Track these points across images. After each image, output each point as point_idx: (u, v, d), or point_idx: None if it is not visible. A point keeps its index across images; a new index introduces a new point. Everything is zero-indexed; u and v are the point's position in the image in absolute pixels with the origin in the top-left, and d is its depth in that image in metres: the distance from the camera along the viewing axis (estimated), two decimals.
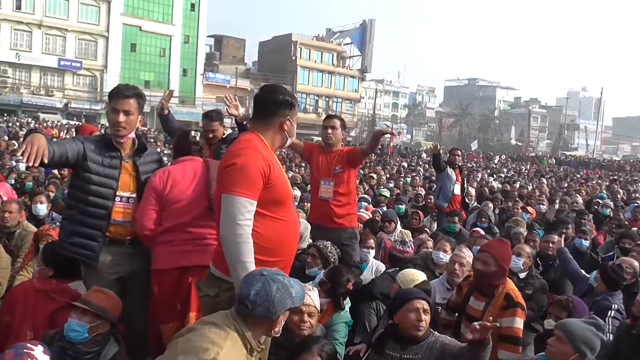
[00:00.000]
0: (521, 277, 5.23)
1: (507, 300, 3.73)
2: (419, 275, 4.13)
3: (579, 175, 27.42)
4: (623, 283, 4.77)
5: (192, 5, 54.73)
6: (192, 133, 4.10)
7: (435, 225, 8.77)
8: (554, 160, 46.40)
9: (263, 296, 2.35)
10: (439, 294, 4.74)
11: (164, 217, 3.62)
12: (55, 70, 47.98)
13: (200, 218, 3.58)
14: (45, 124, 33.78)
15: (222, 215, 2.78)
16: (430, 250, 5.81)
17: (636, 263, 5.26)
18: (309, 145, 5.75)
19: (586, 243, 6.78)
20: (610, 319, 4.27)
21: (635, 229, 7.88)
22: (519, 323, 3.68)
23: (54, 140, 3.56)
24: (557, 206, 10.60)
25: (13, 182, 9.09)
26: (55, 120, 39.57)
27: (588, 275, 5.34)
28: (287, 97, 2.98)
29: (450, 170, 8.85)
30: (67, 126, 33.07)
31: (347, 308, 4.17)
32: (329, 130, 5.33)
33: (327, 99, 65.85)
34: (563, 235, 6.46)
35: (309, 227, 5.58)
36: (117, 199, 3.55)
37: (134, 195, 3.63)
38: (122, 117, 3.51)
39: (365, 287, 4.80)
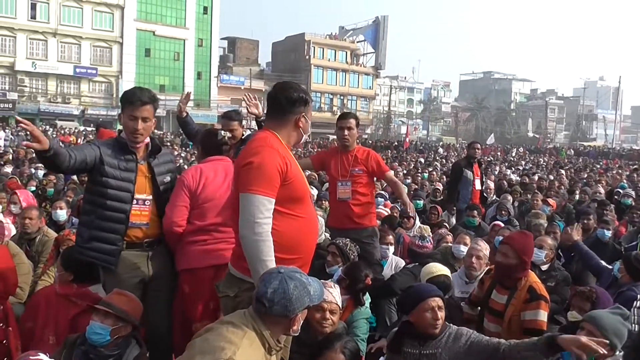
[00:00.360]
0: (543, 269, 5.17)
1: (530, 293, 3.69)
2: (440, 268, 4.11)
3: (598, 166, 27.09)
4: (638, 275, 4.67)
5: (205, 9, 54.95)
6: (222, 133, 4.06)
7: (454, 220, 8.70)
8: (572, 152, 45.91)
9: (280, 294, 2.33)
10: (458, 287, 4.70)
11: (194, 215, 3.63)
12: (72, 78, 48.45)
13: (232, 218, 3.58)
14: (62, 131, 34.14)
15: (241, 214, 2.77)
16: (450, 244, 5.76)
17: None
18: (316, 156, 5.75)
19: (609, 233, 6.67)
20: (636, 309, 4.19)
21: None
22: (543, 315, 3.64)
23: (72, 146, 3.58)
24: (577, 197, 10.48)
25: (34, 189, 9.20)
26: (73, 127, 40.00)
27: (610, 267, 5.25)
28: (302, 94, 2.97)
29: (467, 172, 8.71)
30: (84, 132, 33.40)
31: (367, 304, 4.15)
32: (346, 132, 5.26)
33: (341, 97, 65.83)
34: (579, 226, 6.27)
35: (323, 222, 5.57)
36: (134, 201, 3.54)
37: (150, 197, 3.62)
38: (140, 125, 3.51)
39: (385, 284, 4.78)
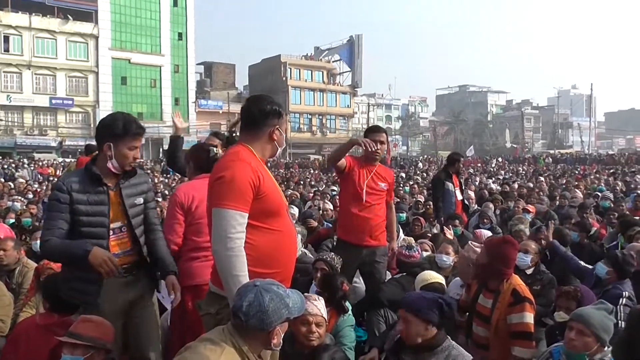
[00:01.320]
0: (528, 273, 5.19)
1: (514, 296, 3.70)
2: (435, 276, 4.12)
3: (576, 172, 27.43)
4: (632, 270, 4.75)
5: (180, 35, 55.12)
6: (214, 150, 4.00)
7: (435, 230, 8.72)
8: (550, 159, 46.43)
9: (256, 307, 2.29)
10: (456, 291, 4.65)
11: (190, 232, 3.62)
12: (48, 109, 48.21)
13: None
14: (41, 164, 33.81)
15: (213, 229, 2.75)
16: (433, 254, 5.76)
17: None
18: (349, 159, 5.13)
19: (576, 235, 6.79)
20: (622, 306, 4.23)
21: (637, 218, 7.83)
22: (529, 318, 3.64)
23: (50, 219, 3.44)
24: (557, 202, 10.57)
25: (12, 221, 9.08)
26: (51, 159, 39.67)
27: (591, 267, 5.30)
28: (275, 107, 2.95)
29: (448, 184, 8.71)
30: (62, 164, 33.09)
31: (349, 312, 4.15)
32: (379, 145, 4.97)
33: (320, 117, 66.14)
34: (552, 226, 6.40)
35: (304, 235, 5.51)
36: (111, 232, 3.40)
37: (124, 222, 3.48)
38: (137, 154, 3.45)
39: (372, 295, 4.76)
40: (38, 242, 6.52)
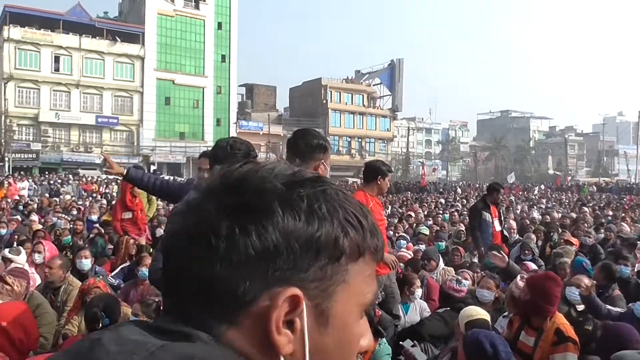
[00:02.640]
0: (579, 309, 5.02)
1: (558, 336, 3.63)
2: (480, 312, 4.05)
3: (623, 202, 26.71)
4: None
5: (223, 57, 56.09)
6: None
7: (476, 260, 8.58)
8: (595, 188, 45.34)
9: None
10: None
11: None
12: (94, 127, 49.49)
13: None
14: (85, 180, 34.62)
15: None
16: (474, 287, 5.66)
17: None
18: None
19: (627, 270, 6.52)
20: None
21: None
22: (572, 358, 3.56)
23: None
24: (602, 235, 10.30)
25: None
26: (95, 175, 40.61)
27: (631, 306, 5.06)
28: (321, 141, 3.00)
29: (485, 214, 8.59)
30: (106, 181, 33.82)
31: (385, 340, 4.13)
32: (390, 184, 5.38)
33: (359, 140, 66.20)
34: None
35: None
36: None
37: None
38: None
39: (413, 328, 4.71)
40: (83, 260, 6.67)
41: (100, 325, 3.69)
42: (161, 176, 3.35)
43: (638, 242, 8.97)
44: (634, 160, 75.99)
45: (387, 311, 4.98)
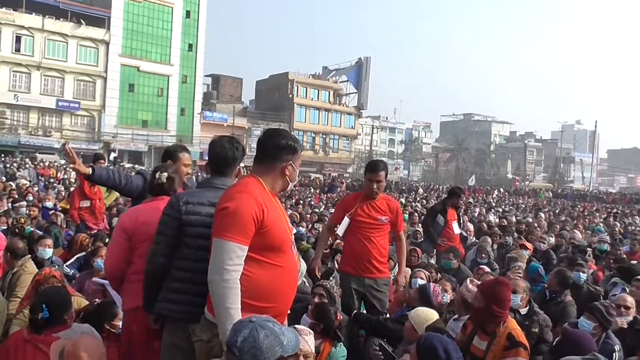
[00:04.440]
0: (523, 313, 5.16)
1: (509, 340, 3.71)
2: (433, 315, 4.11)
3: (576, 209, 27.42)
4: (609, 324, 4.51)
5: (190, 46, 55.43)
6: (158, 175, 3.84)
7: (433, 261, 8.69)
8: (550, 194, 46.41)
9: (250, 343, 2.26)
10: (455, 330, 4.64)
11: (135, 255, 3.57)
12: (54, 111, 48.31)
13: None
14: (42, 164, 33.79)
15: (212, 259, 2.77)
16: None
17: (630, 298, 5.13)
18: (336, 215, 5.55)
19: (584, 276, 6.70)
20: None
21: (635, 262, 7.82)
22: None
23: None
24: (552, 241, 10.55)
25: (5, 227, 8.51)
26: (53, 160, 39.69)
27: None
28: (290, 142, 2.96)
29: (440, 217, 8.70)
30: (64, 166, 33.04)
31: (342, 343, 4.19)
32: (375, 185, 5.22)
33: (324, 136, 66.34)
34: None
35: (305, 266, 5.54)
36: None
37: None
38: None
39: (380, 324, 4.76)
40: (46, 249, 6.39)
41: (40, 317, 3.63)
42: (122, 164, 3.34)
43: (588, 249, 9.25)
44: (589, 167, 78.07)
45: (378, 312, 5.08)
